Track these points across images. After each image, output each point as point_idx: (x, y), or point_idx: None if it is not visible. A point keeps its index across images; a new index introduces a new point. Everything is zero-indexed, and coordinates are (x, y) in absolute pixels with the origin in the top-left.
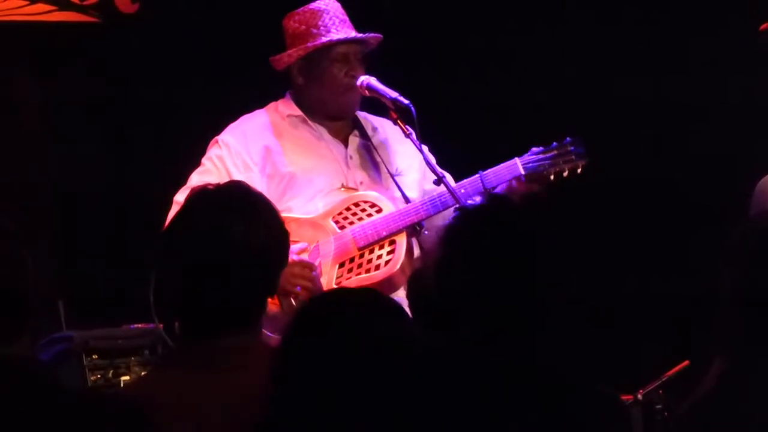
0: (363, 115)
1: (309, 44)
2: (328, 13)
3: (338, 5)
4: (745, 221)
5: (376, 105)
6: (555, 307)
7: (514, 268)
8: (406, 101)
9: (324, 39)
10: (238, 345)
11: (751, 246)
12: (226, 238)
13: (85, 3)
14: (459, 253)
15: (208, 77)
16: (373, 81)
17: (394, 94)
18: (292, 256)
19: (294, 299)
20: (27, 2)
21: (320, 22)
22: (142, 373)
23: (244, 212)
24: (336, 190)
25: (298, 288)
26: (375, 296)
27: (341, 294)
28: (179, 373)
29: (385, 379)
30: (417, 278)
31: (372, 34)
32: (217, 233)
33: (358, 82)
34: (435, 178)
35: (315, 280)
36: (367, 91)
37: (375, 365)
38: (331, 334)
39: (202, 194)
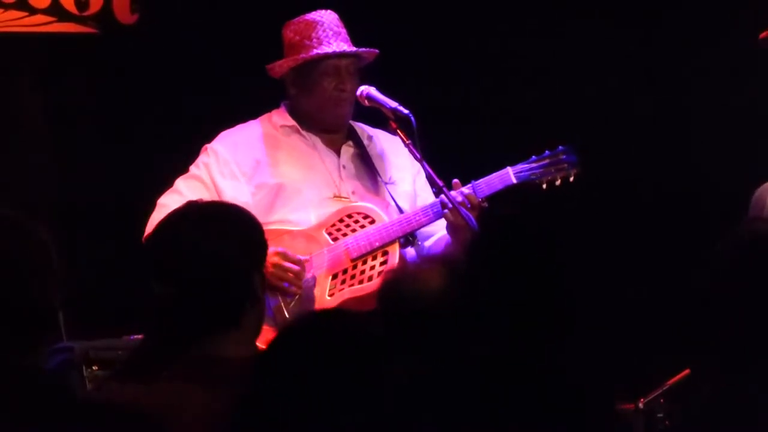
0: (358, 125)
1: (300, 56)
2: (322, 25)
3: (335, 17)
4: (735, 230)
5: (377, 115)
6: (575, 314)
7: (539, 274)
8: (405, 111)
9: (314, 51)
10: (233, 355)
11: (742, 256)
12: (195, 249)
13: (84, 14)
14: (485, 260)
15: (207, 87)
16: (373, 91)
17: (393, 103)
18: (280, 250)
19: (285, 307)
20: (26, 13)
21: (314, 34)
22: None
23: (209, 224)
24: (328, 199)
25: (285, 284)
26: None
27: (328, 315)
28: (180, 386)
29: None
30: (392, 284)
31: (365, 49)
32: (184, 246)
33: (358, 92)
34: (430, 189)
35: (298, 267)
36: (366, 101)
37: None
38: (313, 352)
39: (174, 213)
